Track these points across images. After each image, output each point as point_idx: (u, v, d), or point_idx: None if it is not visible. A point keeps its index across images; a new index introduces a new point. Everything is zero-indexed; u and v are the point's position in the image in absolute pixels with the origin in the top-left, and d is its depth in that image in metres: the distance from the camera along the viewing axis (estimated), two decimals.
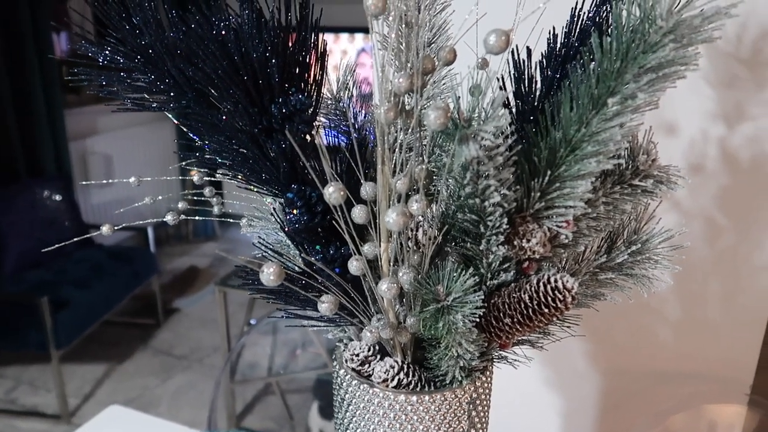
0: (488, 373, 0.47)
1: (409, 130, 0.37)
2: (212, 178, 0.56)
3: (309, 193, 0.40)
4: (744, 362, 0.80)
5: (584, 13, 0.46)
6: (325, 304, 0.39)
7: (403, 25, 0.38)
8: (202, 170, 0.52)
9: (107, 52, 0.39)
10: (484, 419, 0.48)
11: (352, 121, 0.51)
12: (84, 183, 3.18)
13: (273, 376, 2.12)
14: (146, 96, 0.42)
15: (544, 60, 0.45)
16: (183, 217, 0.54)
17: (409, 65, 0.39)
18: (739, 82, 0.69)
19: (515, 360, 0.47)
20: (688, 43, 0.33)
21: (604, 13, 0.45)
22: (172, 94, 0.41)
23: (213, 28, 0.38)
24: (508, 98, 0.43)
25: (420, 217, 0.43)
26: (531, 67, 0.43)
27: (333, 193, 0.35)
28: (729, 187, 0.74)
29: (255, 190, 0.43)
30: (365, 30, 3.26)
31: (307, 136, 0.40)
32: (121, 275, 2.67)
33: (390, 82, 0.37)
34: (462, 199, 0.38)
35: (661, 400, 0.83)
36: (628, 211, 0.41)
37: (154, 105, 0.41)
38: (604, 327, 0.83)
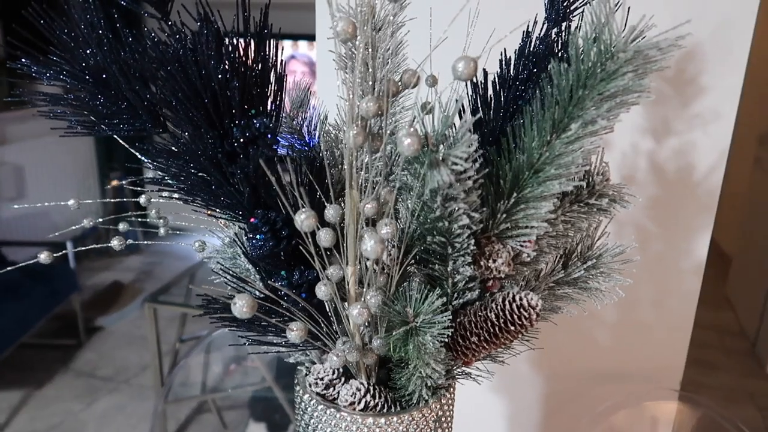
0: (452, 389, 0.47)
1: (378, 154, 0.37)
2: (159, 199, 0.53)
3: (274, 218, 0.39)
4: (674, 361, 0.85)
5: (535, 36, 0.47)
6: (295, 332, 0.38)
7: (370, 49, 0.38)
8: (152, 190, 0.50)
9: (51, 72, 0.37)
10: None
11: (307, 139, 0.50)
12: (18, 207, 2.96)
13: (207, 394, 2.05)
14: (93, 118, 0.40)
15: (497, 82, 0.46)
16: (130, 242, 0.52)
17: (375, 89, 0.39)
18: (665, 99, 0.74)
19: (478, 376, 0.48)
20: (644, 73, 0.34)
21: (555, 36, 0.47)
22: (124, 116, 0.39)
23: (170, 48, 0.37)
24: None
25: None
26: (489, 90, 0.44)
27: (305, 220, 0.35)
28: (657, 197, 0.79)
29: (211, 214, 0.42)
30: (293, 37, 3.23)
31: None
32: (37, 294, 2.50)
33: (357, 106, 0.37)
34: (430, 222, 0.38)
35: (601, 399, 0.86)
36: (584, 228, 0.43)
37: (104, 128, 0.39)
38: (546, 332, 0.86)
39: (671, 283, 0.82)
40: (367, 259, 0.39)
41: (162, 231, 0.56)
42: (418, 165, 0.37)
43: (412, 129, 0.34)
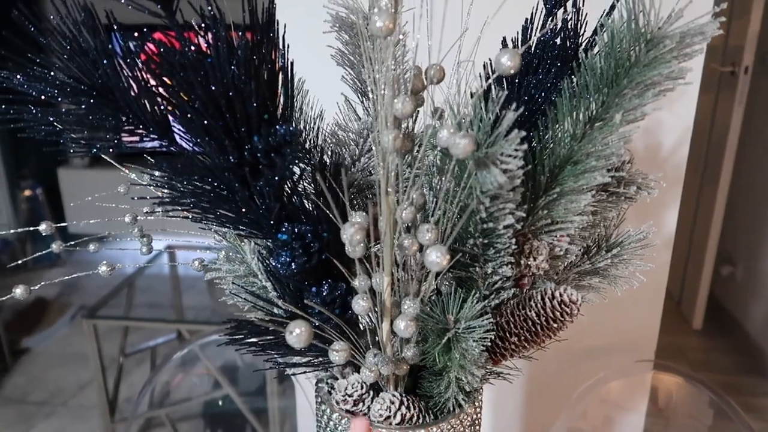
0: (482, 391, 0.46)
1: (417, 156, 0.35)
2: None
3: (304, 231, 0.36)
4: (648, 331, 0.88)
5: (535, 25, 0.46)
6: (339, 353, 0.36)
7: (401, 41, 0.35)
8: (148, 209, 0.45)
9: (42, 84, 0.32)
10: None
11: (314, 144, 0.47)
12: None
13: (161, 408, 1.95)
14: (88, 134, 0.35)
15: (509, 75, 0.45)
16: (119, 266, 0.47)
17: (402, 88, 0.36)
18: None
19: (508, 374, 0.47)
20: (684, 58, 0.34)
21: (561, 24, 0.46)
22: (126, 131, 0.34)
23: (179, 53, 0.33)
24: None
25: None
26: (506, 82, 0.43)
27: (354, 234, 0.32)
28: None
29: (231, 233, 0.38)
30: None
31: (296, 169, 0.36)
32: None
33: (392, 107, 0.34)
34: (473, 225, 0.36)
35: (582, 376, 0.88)
36: (610, 217, 0.42)
37: (104, 145, 0.35)
38: None
39: (645, 258, 0.85)
40: (401, 266, 0.37)
41: (144, 249, 0.51)
42: (458, 167, 0.35)
43: (463, 130, 0.32)
